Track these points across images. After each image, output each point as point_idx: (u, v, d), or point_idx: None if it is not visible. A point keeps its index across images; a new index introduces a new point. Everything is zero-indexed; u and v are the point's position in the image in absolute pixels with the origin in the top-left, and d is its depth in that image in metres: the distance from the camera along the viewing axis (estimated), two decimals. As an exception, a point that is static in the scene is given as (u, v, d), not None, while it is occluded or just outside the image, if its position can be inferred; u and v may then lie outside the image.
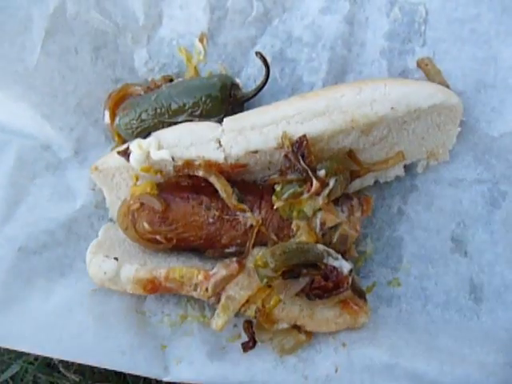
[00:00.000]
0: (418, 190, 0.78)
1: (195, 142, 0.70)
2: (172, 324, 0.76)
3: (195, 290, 0.69)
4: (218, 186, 0.69)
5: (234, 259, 0.70)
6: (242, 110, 0.79)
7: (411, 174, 0.78)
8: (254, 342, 0.73)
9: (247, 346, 0.73)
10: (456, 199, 0.77)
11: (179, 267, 0.69)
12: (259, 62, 0.81)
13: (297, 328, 0.72)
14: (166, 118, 0.76)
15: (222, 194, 0.69)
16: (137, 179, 0.73)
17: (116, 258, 0.71)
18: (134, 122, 0.76)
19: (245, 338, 0.74)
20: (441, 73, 0.74)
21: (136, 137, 0.76)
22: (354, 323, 0.73)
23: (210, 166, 0.69)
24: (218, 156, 0.69)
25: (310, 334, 0.73)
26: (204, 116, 0.75)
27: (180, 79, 0.81)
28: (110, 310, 0.74)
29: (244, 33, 0.81)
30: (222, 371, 0.72)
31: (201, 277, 0.69)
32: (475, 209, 0.77)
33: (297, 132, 0.67)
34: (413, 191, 0.78)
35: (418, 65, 0.75)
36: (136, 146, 0.70)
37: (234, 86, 0.78)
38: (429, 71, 0.75)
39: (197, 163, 0.70)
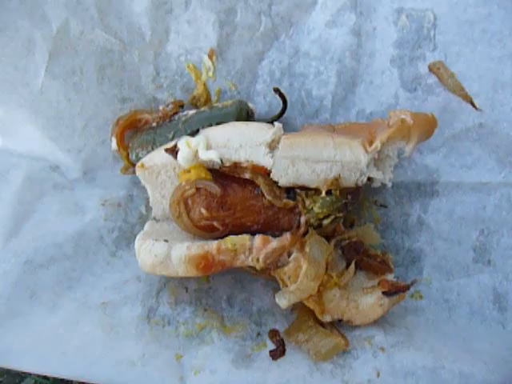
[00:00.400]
0: (439, 196, 0.75)
1: (244, 144, 0.68)
2: (188, 333, 0.73)
3: (249, 255, 0.66)
4: (264, 188, 0.68)
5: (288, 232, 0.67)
6: None
7: (432, 179, 0.75)
8: (284, 350, 0.69)
9: (276, 354, 0.69)
10: (479, 205, 0.74)
11: (230, 237, 0.66)
12: (268, 78, 0.81)
13: (335, 330, 0.69)
14: None
15: (268, 197, 0.68)
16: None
17: (166, 240, 0.68)
18: None
19: (271, 346, 0.71)
20: (454, 75, 0.73)
21: None
22: (399, 299, 0.69)
23: (257, 169, 0.68)
24: (267, 162, 0.67)
25: (347, 340, 0.69)
26: None
27: (193, 111, 0.79)
28: (120, 320, 0.71)
29: (252, 48, 0.80)
30: (251, 378, 0.68)
31: (254, 242, 0.66)
32: (500, 214, 0.74)
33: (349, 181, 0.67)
34: (433, 198, 0.75)
35: (430, 69, 0.74)
36: (184, 144, 0.69)
37: (249, 112, 0.78)
38: (442, 75, 0.74)
39: (244, 165, 0.68)
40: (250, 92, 0.81)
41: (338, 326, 0.73)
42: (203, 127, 0.75)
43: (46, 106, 0.78)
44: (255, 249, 0.65)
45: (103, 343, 0.69)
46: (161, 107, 0.81)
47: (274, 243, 0.66)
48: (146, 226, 0.73)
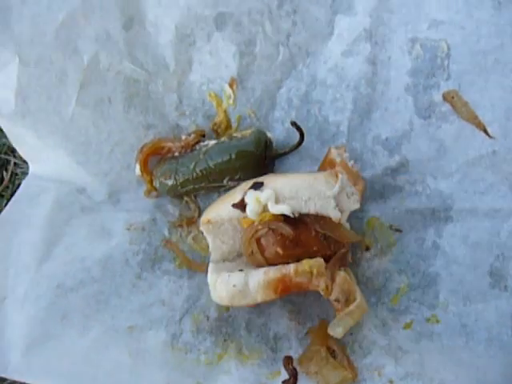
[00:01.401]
0: (453, 222, 0.75)
1: (314, 197, 0.69)
2: (209, 362, 0.73)
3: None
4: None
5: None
6: (273, 166, 0.82)
7: (446, 205, 0.75)
8: (296, 379, 0.69)
9: (289, 383, 0.69)
10: (493, 231, 0.73)
11: (306, 260, 0.67)
12: (286, 105, 0.83)
13: (345, 360, 0.69)
14: (206, 184, 0.80)
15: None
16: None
17: (241, 270, 0.69)
18: (176, 188, 0.80)
19: (285, 374, 0.70)
20: (468, 104, 0.74)
21: (176, 197, 0.83)
22: None
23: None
24: (335, 214, 0.69)
25: (354, 373, 0.69)
26: (242, 178, 0.78)
27: (214, 141, 0.82)
28: (145, 346, 0.72)
29: (271, 77, 0.83)
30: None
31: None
32: None
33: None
34: (448, 223, 0.75)
35: (444, 98, 0.75)
36: (253, 200, 0.70)
37: (268, 142, 0.80)
38: (455, 103, 0.74)
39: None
40: (268, 119, 0.83)
41: (351, 352, 0.73)
42: (223, 158, 0.78)
43: (75, 133, 0.81)
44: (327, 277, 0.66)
45: (130, 369, 0.70)
46: (183, 137, 0.83)
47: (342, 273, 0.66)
48: (211, 267, 0.73)
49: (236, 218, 0.72)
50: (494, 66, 0.75)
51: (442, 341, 0.73)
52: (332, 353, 0.73)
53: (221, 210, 0.74)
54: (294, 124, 0.77)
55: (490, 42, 0.75)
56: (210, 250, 0.76)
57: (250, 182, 0.72)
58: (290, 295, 0.72)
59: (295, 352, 0.75)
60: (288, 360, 0.72)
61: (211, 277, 0.70)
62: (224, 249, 0.75)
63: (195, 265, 0.80)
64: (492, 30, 0.75)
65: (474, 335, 0.71)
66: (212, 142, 0.81)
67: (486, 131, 0.74)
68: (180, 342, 0.74)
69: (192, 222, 0.83)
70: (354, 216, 0.76)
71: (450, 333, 0.72)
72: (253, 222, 0.70)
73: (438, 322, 0.73)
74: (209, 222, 0.73)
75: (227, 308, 0.77)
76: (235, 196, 0.72)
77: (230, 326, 0.76)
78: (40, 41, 0.79)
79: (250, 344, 0.75)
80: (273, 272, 0.67)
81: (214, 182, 0.81)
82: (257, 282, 0.67)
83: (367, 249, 0.75)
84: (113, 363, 0.70)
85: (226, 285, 0.68)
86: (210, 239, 0.75)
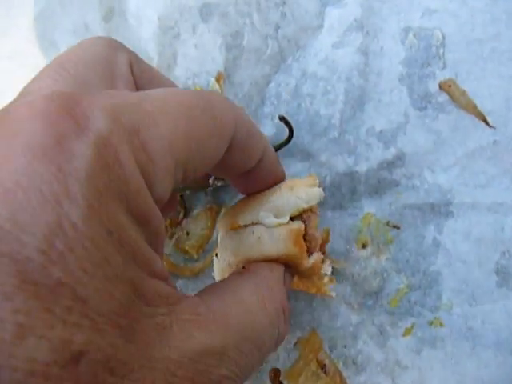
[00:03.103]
0: (454, 217, 0.68)
1: None
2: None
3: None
4: None
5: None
6: None
7: (445, 200, 0.70)
8: None
9: None
10: (497, 226, 0.67)
11: None
12: (275, 100, 0.78)
13: (337, 377, 0.62)
14: (191, 184, 0.73)
15: None
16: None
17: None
18: None
19: (272, 389, 0.63)
20: (466, 93, 0.69)
21: None
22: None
23: None
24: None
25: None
26: None
27: None
28: None
29: (259, 71, 0.78)
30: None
31: None
32: None
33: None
34: (448, 219, 0.69)
35: (441, 87, 0.70)
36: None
37: None
38: (453, 92, 0.70)
39: None
40: (257, 114, 0.77)
41: (344, 367, 0.67)
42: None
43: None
44: None
45: None
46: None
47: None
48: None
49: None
50: (491, 54, 0.71)
51: (446, 347, 0.66)
52: (323, 367, 0.66)
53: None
54: (282, 119, 0.72)
55: (486, 31, 0.71)
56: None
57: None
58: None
59: (282, 364, 0.68)
60: (275, 373, 0.64)
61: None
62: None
63: (178, 268, 0.73)
64: (487, 19, 0.71)
65: (482, 339, 0.64)
66: (198, 140, 0.76)
67: (485, 121, 0.69)
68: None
69: (177, 223, 0.77)
70: (348, 212, 0.70)
71: (455, 337, 0.65)
72: None
73: (441, 325, 0.66)
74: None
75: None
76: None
77: (213, 331, 0.69)
78: (14, 33, 0.74)
79: (235, 351, 0.67)
80: None
81: (199, 181, 0.74)
82: None
83: (363, 246, 0.69)
84: None
85: None
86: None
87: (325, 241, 0.54)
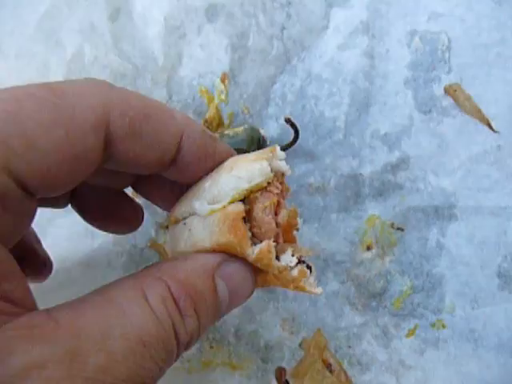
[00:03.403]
0: (458, 221, 0.69)
1: None
2: (193, 371, 0.67)
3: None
4: None
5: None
6: None
7: (449, 203, 0.70)
8: None
9: None
10: (500, 230, 0.68)
11: None
12: (280, 101, 0.78)
13: (343, 375, 0.62)
14: None
15: None
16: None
17: None
18: None
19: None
20: (471, 98, 0.69)
21: None
22: None
23: None
24: None
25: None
26: None
27: None
28: None
29: (264, 72, 0.78)
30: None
31: None
32: None
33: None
34: (451, 222, 0.69)
35: (446, 91, 0.71)
36: None
37: (261, 140, 0.74)
38: (458, 97, 0.70)
39: None
40: (262, 115, 0.77)
41: (349, 366, 0.67)
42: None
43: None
44: None
45: None
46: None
47: None
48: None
49: None
50: (496, 59, 0.71)
51: (448, 348, 0.67)
52: (328, 366, 0.67)
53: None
54: (288, 121, 0.72)
55: (491, 36, 0.71)
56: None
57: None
58: (284, 302, 0.66)
59: (288, 364, 0.68)
60: (281, 371, 0.65)
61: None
62: None
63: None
64: (493, 24, 0.72)
65: (484, 341, 0.65)
66: (202, 140, 0.75)
67: (490, 125, 0.69)
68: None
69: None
70: (352, 214, 0.70)
71: (458, 339, 0.66)
72: None
73: (444, 327, 0.67)
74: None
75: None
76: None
77: (217, 332, 0.69)
78: (21, 32, 0.74)
79: (239, 352, 0.68)
80: None
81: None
82: None
83: (368, 248, 0.70)
84: None
85: None
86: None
87: (290, 225, 0.42)
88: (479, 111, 0.69)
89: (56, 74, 0.75)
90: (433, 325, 0.67)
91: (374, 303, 0.69)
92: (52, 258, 0.73)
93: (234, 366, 0.67)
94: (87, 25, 0.75)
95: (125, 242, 0.74)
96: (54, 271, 0.72)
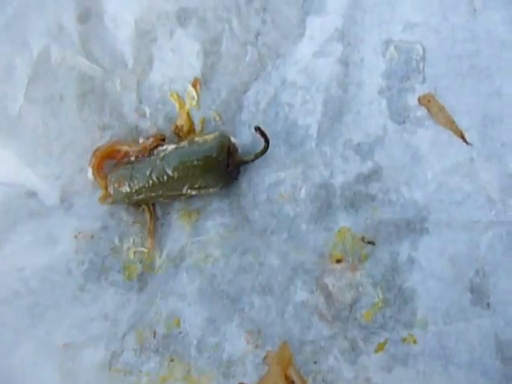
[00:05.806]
0: (429, 234, 0.67)
1: None
2: (152, 385, 0.63)
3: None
4: None
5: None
6: (238, 173, 0.72)
7: (421, 216, 0.68)
8: None
9: None
10: (472, 244, 0.65)
11: None
12: (253, 108, 0.75)
13: None
14: (164, 192, 0.70)
15: None
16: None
17: None
18: (131, 196, 0.70)
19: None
20: (445, 108, 0.68)
21: (132, 205, 0.73)
22: None
23: None
24: None
25: None
26: (203, 186, 0.69)
27: (173, 146, 0.72)
28: (80, 366, 0.63)
29: (237, 78, 0.75)
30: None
31: None
32: (494, 255, 0.65)
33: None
34: (423, 235, 0.67)
35: (420, 101, 0.69)
36: None
37: (231, 148, 0.71)
38: (432, 107, 0.68)
39: None
40: (234, 122, 0.74)
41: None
42: (182, 165, 0.68)
43: (23, 131, 0.71)
44: None
45: None
46: (141, 140, 0.73)
47: None
48: None
49: None
50: (470, 71, 0.70)
51: (418, 365, 0.64)
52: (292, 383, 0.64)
53: None
54: (258, 129, 0.69)
55: (466, 48, 0.70)
56: None
57: None
58: (250, 312, 0.64)
59: (250, 379, 0.65)
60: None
61: None
62: None
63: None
64: (467, 36, 0.70)
65: (455, 358, 0.63)
66: (171, 147, 0.72)
67: (463, 137, 0.67)
68: (120, 361, 0.64)
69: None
70: (323, 226, 0.68)
71: (428, 355, 0.64)
72: None
73: (414, 342, 0.64)
74: None
75: (178, 323, 0.67)
76: None
77: (178, 344, 0.66)
78: (-16, 33, 0.71)
79: (199, 367, 0.64)
80: None
81: (172, 190, 0.71)
82: None
83: (337, 261, 0.67)
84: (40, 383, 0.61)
85: None
86: None
87: None
88: (452, 122, 0.68)
89: (22, 75, 0.72)
90: (403, 339, 0.65)
91: (343, 314, 0.66)
92: (8, 266, 0.69)
93: (193, 381, 0.63)
94: (55, 26, 0.72)
95: (87, 250, 0.70)
96: (10, 280, 0.68)
